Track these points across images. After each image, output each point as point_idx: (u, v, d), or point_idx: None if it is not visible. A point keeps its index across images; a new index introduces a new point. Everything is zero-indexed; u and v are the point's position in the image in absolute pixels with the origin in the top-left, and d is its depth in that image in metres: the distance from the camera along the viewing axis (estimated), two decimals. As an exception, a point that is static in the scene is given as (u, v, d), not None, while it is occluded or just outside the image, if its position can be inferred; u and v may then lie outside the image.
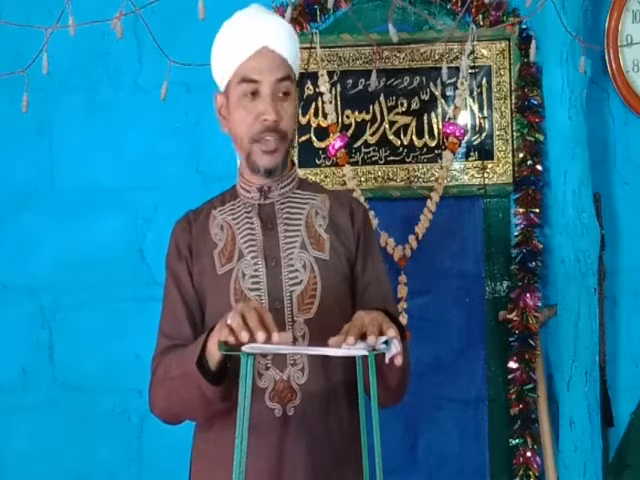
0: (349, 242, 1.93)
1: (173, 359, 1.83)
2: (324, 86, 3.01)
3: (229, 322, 1.64)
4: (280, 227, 1.91)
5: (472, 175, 3.05)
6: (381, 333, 1.66)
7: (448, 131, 2.99)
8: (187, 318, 1.89)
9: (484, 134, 3.05)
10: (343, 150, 2.99)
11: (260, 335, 1.60)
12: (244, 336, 1.61)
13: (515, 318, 2.95)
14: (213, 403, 1.78)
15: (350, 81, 3.04)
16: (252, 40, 1.86)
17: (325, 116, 3.02)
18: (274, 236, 1.90)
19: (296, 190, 1.96)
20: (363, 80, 3.03)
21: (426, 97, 3.06)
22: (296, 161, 2.95)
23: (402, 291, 2.95)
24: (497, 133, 3.05)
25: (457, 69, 3.00)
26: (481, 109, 3.05)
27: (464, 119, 3.04)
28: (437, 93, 3.05)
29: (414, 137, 3.06)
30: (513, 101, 3.03)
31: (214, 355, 1.71)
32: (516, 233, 3.01)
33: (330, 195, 1.98)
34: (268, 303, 1.86)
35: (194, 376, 1.74)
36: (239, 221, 1.92)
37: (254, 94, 1.86)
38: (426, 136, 3.06)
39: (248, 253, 1.89)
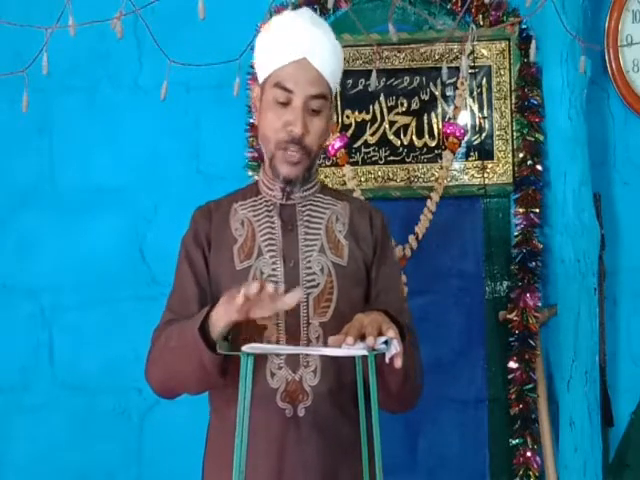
0: (367, 248, 1.95)
1: (175, 329, 1.83)
2: (324, 86, 3.01)
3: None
4: (300, 229, 1.92)
5: (472, 175, 3.05)
6: (381, 333, 1.67)
7: (448, 131, 2.99)
8: (197, 300, 1.89)
9: (484, 134, 3.05)
10: (343, 150, 2.98)
11: (270, 287, 1.65)
12: (254, 287, 1.64)
13: (515, 318, 2.95)
14: (210, 375, 1.78)
15: (350, 81, 3.04)
16: (293, 48, 1.86)
17: (325, 116, 3.02)
18: (294, 237, 1.91)
19: (318, 194, 1.97)
20: (363, 80, 3.03)
21: (426, 97, 3.06)
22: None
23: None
24: (497, 133, 3.05)
25: (457, 69, 2.99)
26: (481, 109, 3.05)
27: (464, 119, 3.04)
28: (437, 93, 3.05)
29: (414, 137, 3.06)
30: (513, 101, 3.03)
31: (216, 326, 1.73)
32: (516, 233, 3.01)
33: (350, 202, 2.00)
34: None
35: (195, 345, 1.74)
36: (260, 218, 1.93)
37: (286, 102, 1.86)
38: (426, 136, 3.06)
39: (267, 252, 1.89)
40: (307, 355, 1.84)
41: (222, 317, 1.74)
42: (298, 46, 1.86)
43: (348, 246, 1.93)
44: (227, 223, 1.94)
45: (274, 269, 1.88)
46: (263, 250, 1.90)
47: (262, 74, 1.91)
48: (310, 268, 1.89)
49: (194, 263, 1.92)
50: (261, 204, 1.95)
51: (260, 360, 1.81)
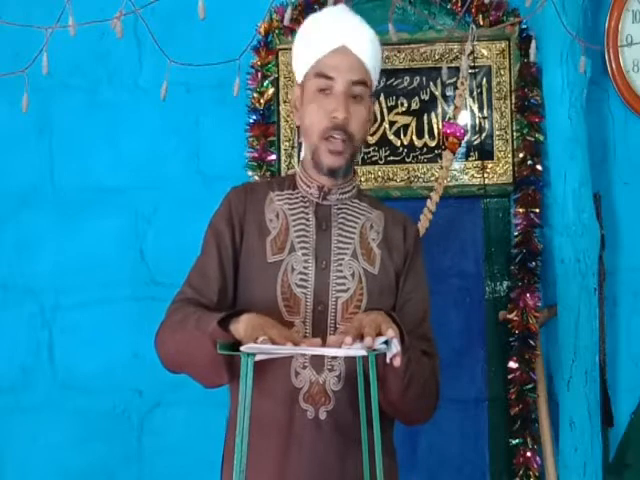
0: (399, 258, 1.94)
1: (195, 313, 1.81)
2: (324, 86, 3.00)
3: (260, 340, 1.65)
4: (334, 230, 1.91)
5: (472, 175, 3.05)
6: (380, 334, 1.66)
7: (448, 131, 2.98)
8: (218, 284, 1.88)
9: (484, 134, 3.05)
10: (343, 150, 2.98)
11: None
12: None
13: (515, 318, 2.95)
14: (219, 369, 1.76)
15: (350, 81, 3.03)
16: (332, 37, 1.87)
17: (325, 116, 3.02)
18: (327, 238, 1.90)
19: (354, 199, 1.96)
20: (363, 80, 3.02)
21: (426, 97, 3.06)
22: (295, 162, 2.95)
23: (402, 291, 2.95)
24: (497, 133, 3.05)
25: (457, 69, 2.99)
26: (481, 109, 3.05)
27: (464, 119, 3.03)
28: (437, 93, 3.05)
29: (414, 137, 3.06)
30: (513, 101, 3.03)
31: (235, 331, 1.71)
32: (516, 233, 3.01)
33: (385, 212, 1.98)
34: (313, 304, 1.86)
35: (212, 334, 1.71)
36: (295, 213, 1.92)
37: (327, 91, 1.86)
38: (426, 136, 3.06)
39: (300, 248, 1.88)
40: (332, 359, 1.83)
41: (241, 332, 1.72)
42: (336, 34, 1.87)
43: (380, 255, 1.92)
44: (262, 211, 1.92)
45: (305, 267, 1.87)
46: (296, 246, 1.88)
47: (302, 71, 1.91)
48: (341, 272, 1.88)
49: (222, 246, 1.90)
50: (297, 199, 1.94)
51: (285, 357, 1.81)
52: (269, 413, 1.77)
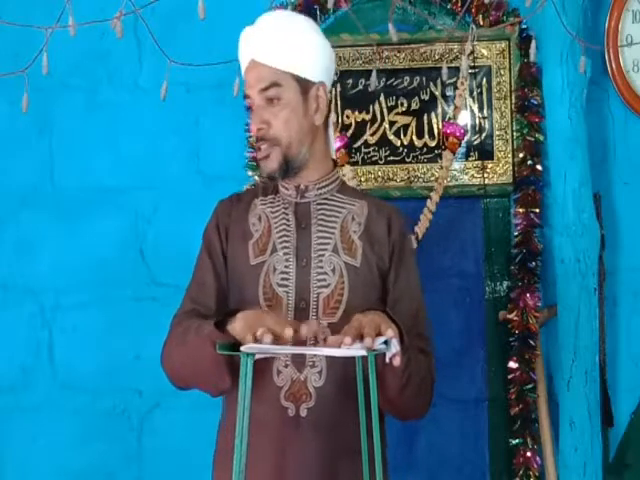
0: (383, 252, 1.93)
1: (195, 323, 1.84)
2: (324, 86, 3.00)
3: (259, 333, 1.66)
4: (313, 227, 1.93)
5: (472, 175, 3.05)
6: (380, 334, 1.67)
7: (448, 131, 2.99)
8: (215, 291, 1.92)
9: (484, 134, 3.05)
10: (343, 150, 2.98)
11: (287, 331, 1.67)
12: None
13: (515, 318, 2.95)
14: (222, 372, 1.79)
15: (350, 81, 3.04)
16: (244, 56, 1.95)
17: (325, 116, 3.02)
18: (307, 235, 1.92)
19: (335, 193, 1.97)
20: (363, 80, 3.03)
21: (426, 97, 3.06)
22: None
23: (402, 291, 2.95)
24: (497, 133, 3.05)
25: (457, 69, 2.99)
26: (481, 109, 3.05)
27: (464, 119, 3.04)
28: (437, 93, 3.05)
29: (414, 137, 3.06)
30: (513, 101, 3.03)
31: (232, 331, 1.74)
32: (516, 233, 3.01)
33: (370, 202, 1.99)
34: (294, 302, 1.88)
35: (209, 335, 1.75)
36: (276, 215, 1.95)
37: (252, 107, 1.93)
38: (426, 136, 3.06)
39: (281, 249, 1.91)
40: (314, 355, 1.84)
41: (238, 330, 1.74)
42: (246, 52, 1.93)
43: (362, 247, 1.92)
44: (246, 217, 1.96)
45: (286, 266, 1.89)
46: (277, 247, 1.91)
47: None
48: (322, 268, 1.90)
49: (213, 254, 1.95)
50: (279, 202, 1.97)
51: (267, 358, 1.81)
52: (254, 413, 1.77)
